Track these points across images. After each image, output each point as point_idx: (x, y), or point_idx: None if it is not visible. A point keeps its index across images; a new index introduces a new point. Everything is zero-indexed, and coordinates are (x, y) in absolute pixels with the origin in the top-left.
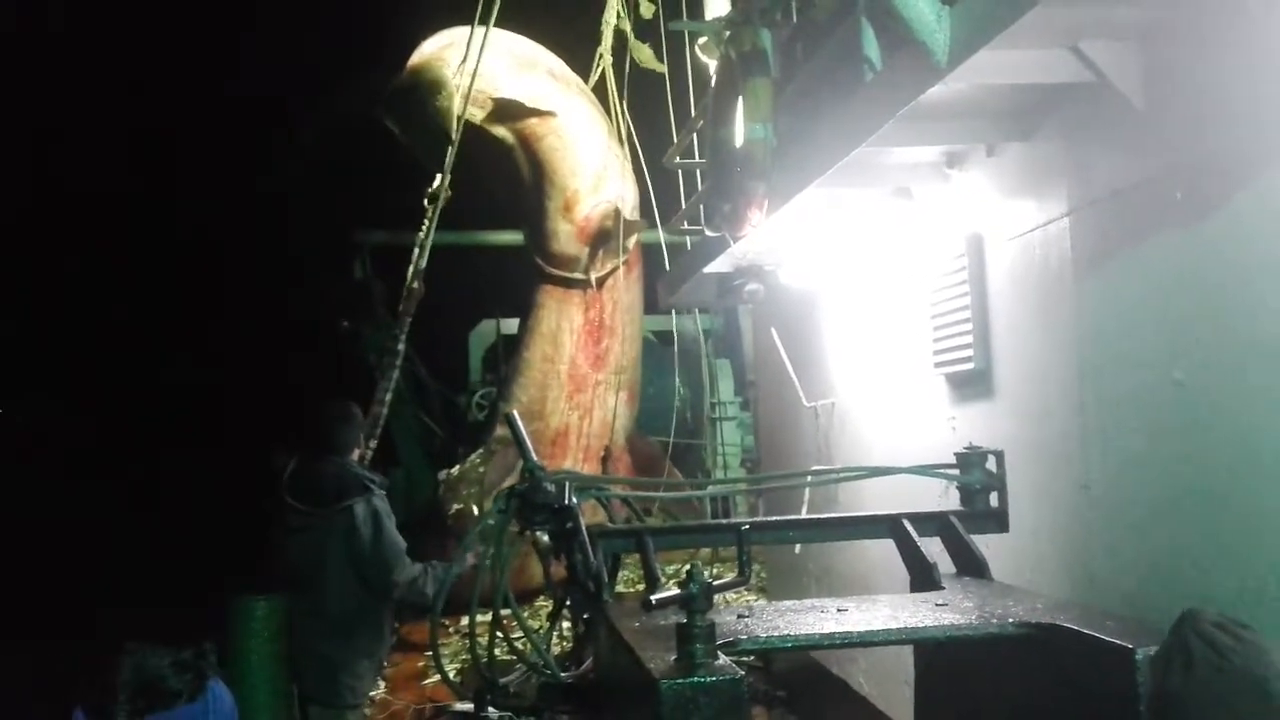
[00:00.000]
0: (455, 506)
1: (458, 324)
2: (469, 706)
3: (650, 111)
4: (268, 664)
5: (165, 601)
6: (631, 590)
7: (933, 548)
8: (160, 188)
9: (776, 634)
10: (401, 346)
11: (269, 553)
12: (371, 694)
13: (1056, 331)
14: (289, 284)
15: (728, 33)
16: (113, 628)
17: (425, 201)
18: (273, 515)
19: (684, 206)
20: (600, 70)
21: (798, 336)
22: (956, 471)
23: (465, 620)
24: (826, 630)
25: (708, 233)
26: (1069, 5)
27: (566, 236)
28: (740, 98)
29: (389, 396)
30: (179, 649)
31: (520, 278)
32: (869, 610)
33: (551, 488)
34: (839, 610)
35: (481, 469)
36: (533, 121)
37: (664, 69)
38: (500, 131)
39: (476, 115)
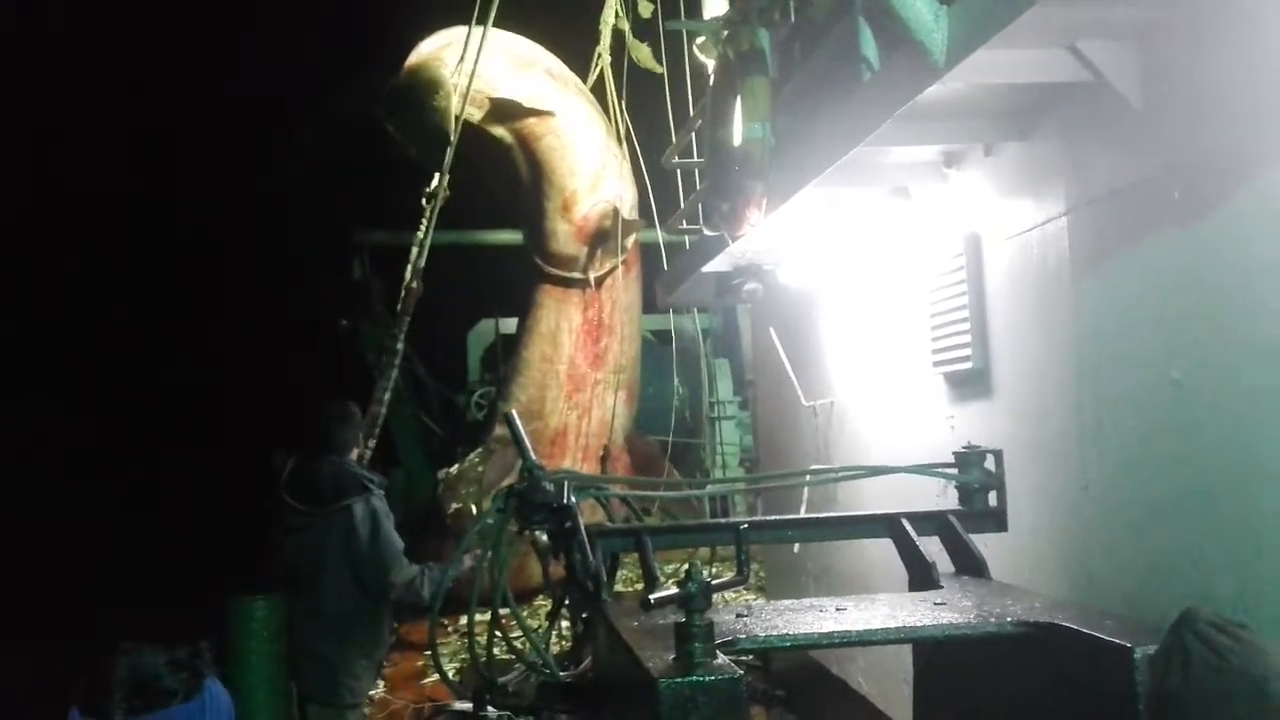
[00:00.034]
0: (454, 505)
1: (456, 323)
2: (468, 706)
3: (649, 111)
4: (267, 663)
5: (165, 601)
6: (630, 589)
7: (931, 547)
8: (160, 188)
9: (775, 633)
10: (400, 346)
11: (268, 552)
12: (370, 693)
13: (1054, 331)
14: (289, 284)
15: (726, 32)
16: (112, 628)
17: (423, 201)
18: (272, 515)
19: (682, 206)
20: (599, 70)
21: (796, 336)
22: (955, 471)
23: (464, 619)
24: (825, 629)
25: (706, 232)
26: (1066, 5)
27: (565, 236)
28: (738, 97)
29: (388, 396)
30: (174, 648)
31: (519, 277)
32: (868, 609)
33: (550, 487)
34: (838, 609)
35: (480, 468)
36: (531, 121)
37: (662, 69)
38: (498, 131)
39: (474, 115)
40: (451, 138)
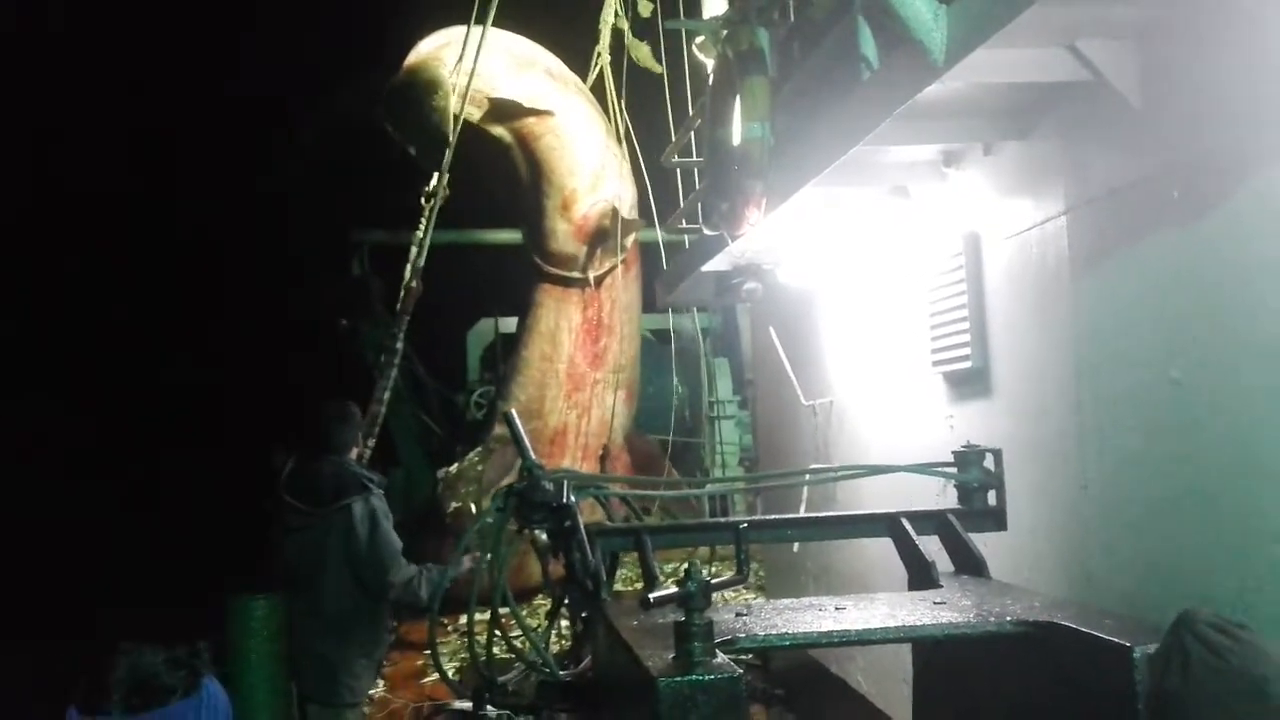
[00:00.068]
0: (453, 504)
1: (456, 323)
2: (467, 705)
3: (648, 110)
4: (266, 663)
5: (166, 601)
6: (630, 589)
7: (931, 546)
8: (160, 188)
9: (775, 632)
10: (400, 345)
11: (269, 552)
12: (370, 692)
13: (1054, 330)
14: (289, 284)
15: (725, 32)
16: (112, 628)
17: (422, 200)
18: (272, 515)
19: (682, 205)
20: (598, 69)
21: (796, 335)
22: (954, 470)
23: (464, 619)
24: (825, 628)
25: (706, 231)
26: (1066, 4)
27: (564, 235)
28: (738, 96)
29: (387, 395)
30: (173, 647)
31: (518, 276)
32: (867, 609)
33: (550, 486)
34: (837, 608)
35: (480, 467)
36: (530, 121)
37: (662, 68)
38: (498, 131)
39: (474, 115)
40: (450, 137)
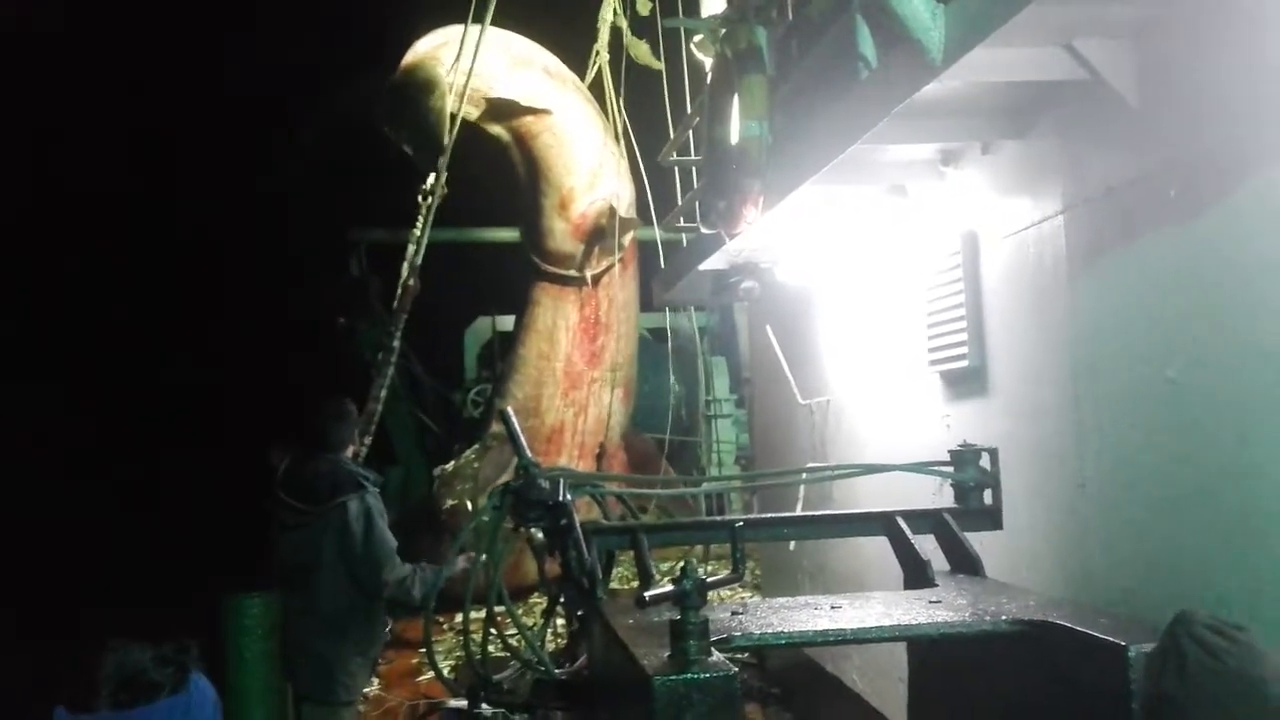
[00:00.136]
0: (450, 502)
1: (454, 321)
2: (463, 703)
3: (646, 109)
4: (262, 661)
5: (166, 601)
6: (626, 587)
7: (927, 545)
8: (160, 188)
9: (770, 631)
10: (397, 344)
11: (266, 551)
12: (366, 690)
13: (1051, 329)
14: (289, 284)
15: (723, 30)
16: (103, 626)
17: (420, 198)
18: (269, 513)
19: (680, 204)
20: (596, 68)
21: (793, 334)
22: (951, 469)
23: (460, 617)
24: (820, 627)
25: (703, 230)
26: (1063, 3)
27: (562, 234)
28: (736, 95)
29: (384, 393)
30: (161, 644)
31: (516, 275)
32: (863, 607)
33: (546, 484)
34: (833, 607)
35: (476, 465)
36: (528, 119)
37: (660, 65)
38: (495, 129)
39: (471, 113)
40: (447, 137)
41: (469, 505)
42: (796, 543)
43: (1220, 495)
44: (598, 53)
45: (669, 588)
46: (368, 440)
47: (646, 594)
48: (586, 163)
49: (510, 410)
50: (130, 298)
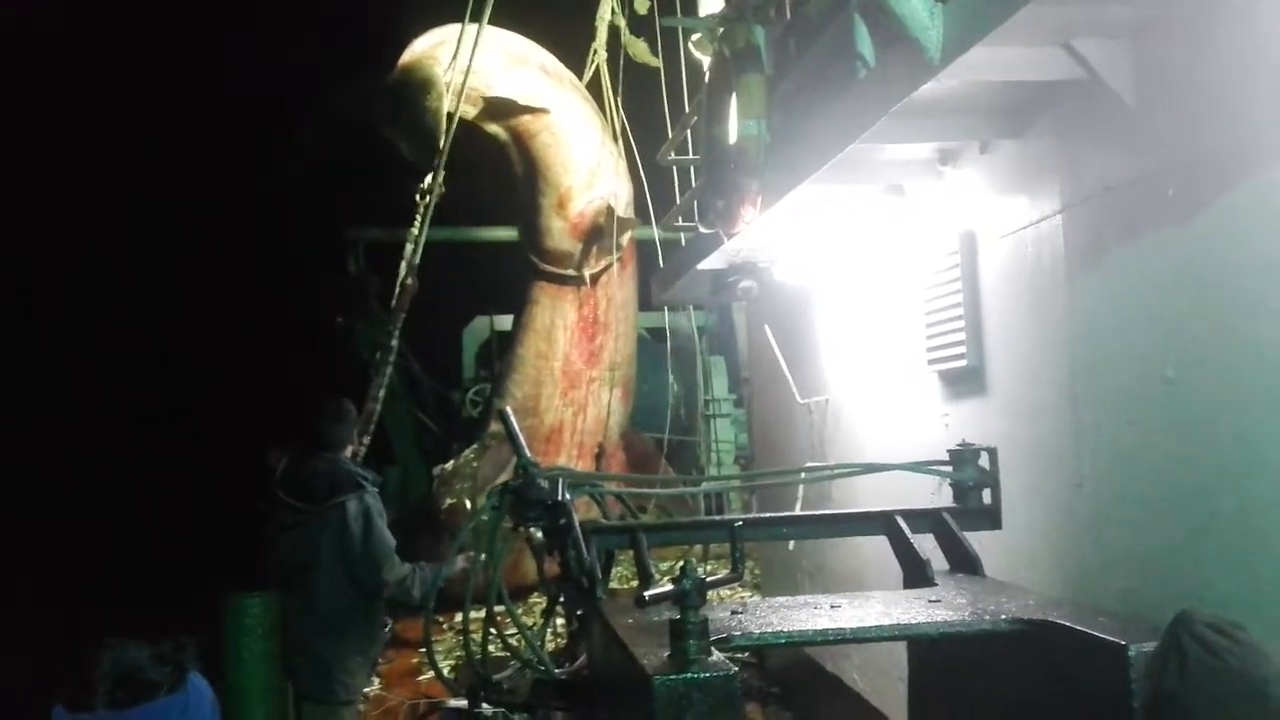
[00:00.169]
0: (449, 501)
1: (452, 320)
2: (463, 703)
3: (645, 108)
4: (262, 661)
5: (165, 601)
6: (625, 586)
7: (926, 544)
8: (160, 188)
9: (770, 630)
10: (395, 343)
11: (265, 551)
12: (366, 690)
13: (1049, 329)
14: (289, 284)
15: (721, 29)
16: (111, 627)
17: (417, 198)
18: (267, 513)
19: (678, 203)
20: (594, 66)
21: (791, 333)
22: (950, 468)
23: (459, 616)
24: (820, 626)
25: (701, 229)
26: (1061, 3)
27: (560, 233)
28: (733, 94)
29: (383, 393)
30: (158, 643)
31: (514, 274)
32: (862, 607)
33: (545, 484)
34: (832, 607)
35: (475, 465)
36: (526, 118)
37: (659, 63)
38: (493, 128)
39: (469, 113)
40: (445, 136)
41: (468, 505)
42: (796, 542)
43: (1218, 495)
44: (596, 52)
45: (668, 587)
46: (366, 440)
47: (646, 593)
48: (584, 162)
49: (509, 410)
50: (130, 298)
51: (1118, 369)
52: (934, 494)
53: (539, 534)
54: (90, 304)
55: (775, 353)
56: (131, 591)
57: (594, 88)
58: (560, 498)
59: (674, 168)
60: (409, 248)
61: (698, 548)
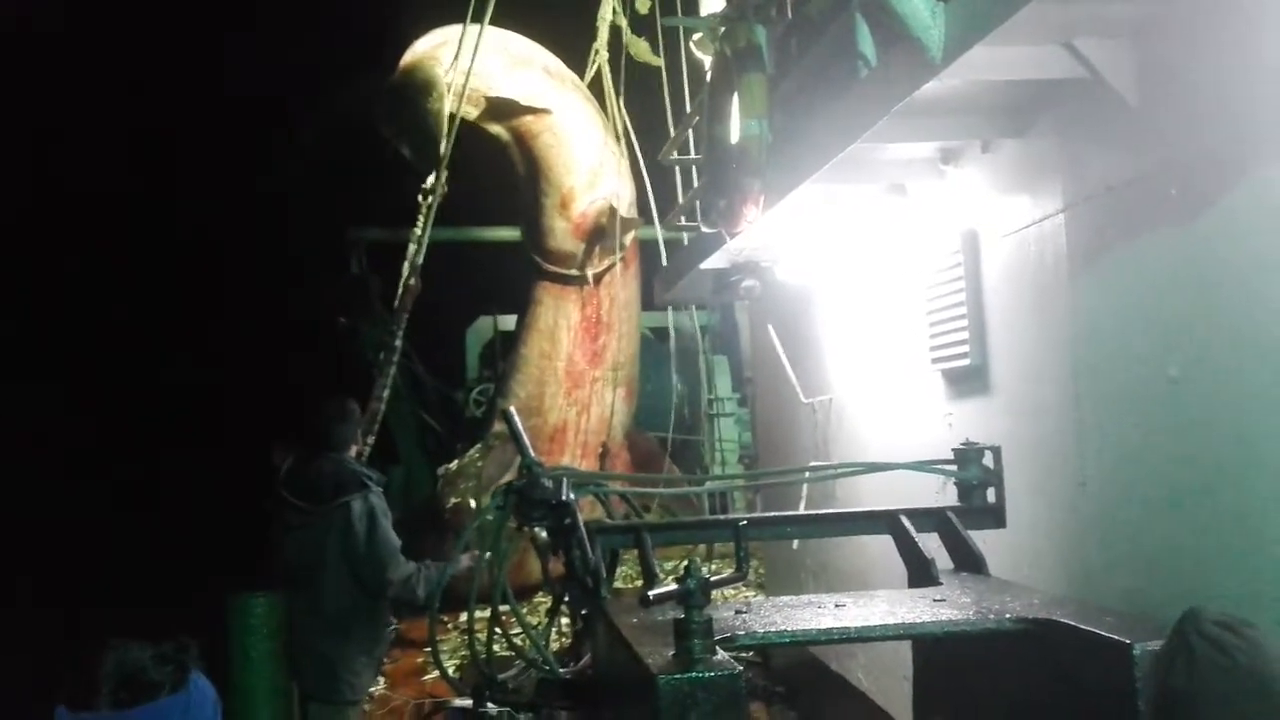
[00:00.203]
0: (453, 501)
1: (455, 320)
2: (468, 702)
3: (647, 108)
4: (267, 661)
5: (166, 601)
6: (629, 586)
7: (930, 543)
8: (160, 188)
9: (774, 629)
10: (399, 343)
11: (269, 551)
12: (371, 690)
13: (1052, 328)
14: (289, 284)
15: (722, 29)
16: (112, 627)
17: (420, 198)
18: (272, 513)
19: (680, 203)
20: (596, 67)
21: (794, 333)
22: (953, 467)
23: (464, 616)
24: (824, 626)
25: (704, 229)
26: (1063, 2)
27: (563, 233)
28: (735, 94)
29: (386, 393)
30: (160, 643)
31: (517, 274)
32: (867, 606)
33: (549, 484)
34: (837, 606)
35: (479, 464)
36: (528, 119)
37: (660, 62)
38: (495, 129)
39: (471, 113)
40: (446, 137)
41: (472, 504)
42: (800, 541)
43: (1220, 494)
44: (597, 52)
45: (673, 587)
46: (370, 440)
47: (650, 593)
48: (587, 162)
49: (513, 409)
50: (130, 298)
51: (1120, 368)
52: (938, 493)
53: (543, 534)
54: (90, 304)
55: (778, 352)
56: (132, 591)
57: (596, 88)
58: (564, 497)
59: (676, 167)
60: (412, 248)
61: (702, 547)
